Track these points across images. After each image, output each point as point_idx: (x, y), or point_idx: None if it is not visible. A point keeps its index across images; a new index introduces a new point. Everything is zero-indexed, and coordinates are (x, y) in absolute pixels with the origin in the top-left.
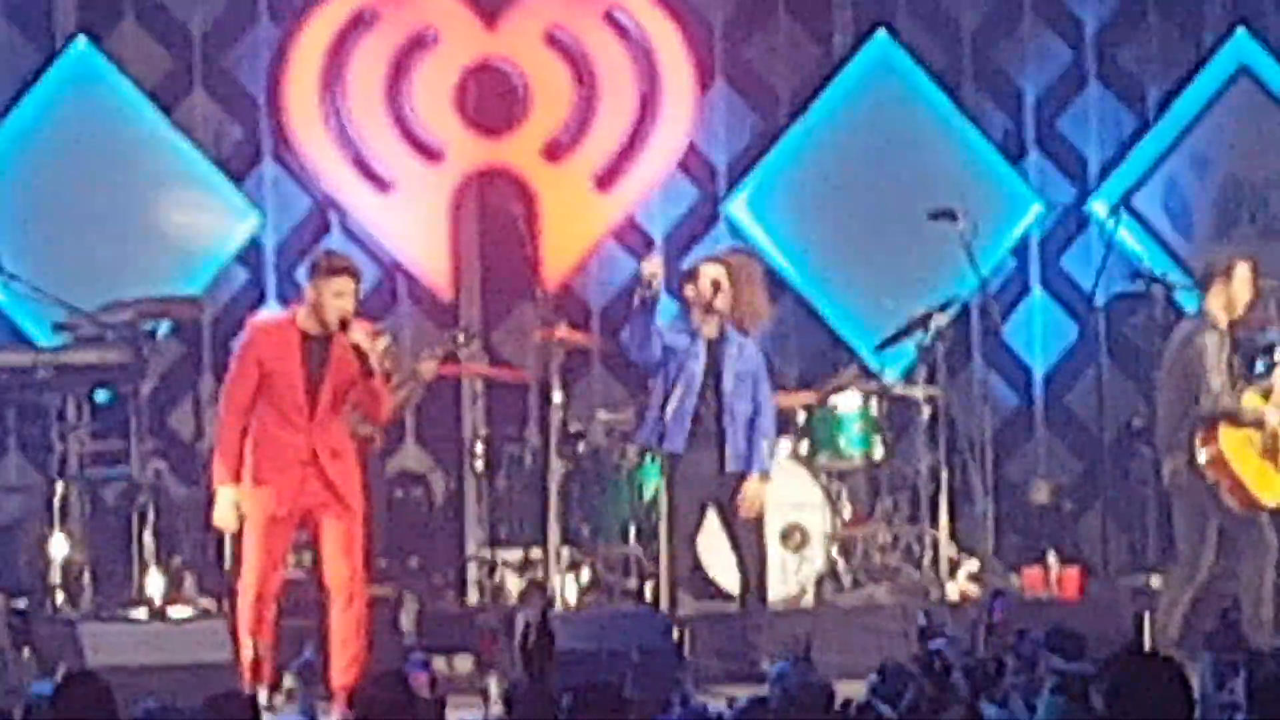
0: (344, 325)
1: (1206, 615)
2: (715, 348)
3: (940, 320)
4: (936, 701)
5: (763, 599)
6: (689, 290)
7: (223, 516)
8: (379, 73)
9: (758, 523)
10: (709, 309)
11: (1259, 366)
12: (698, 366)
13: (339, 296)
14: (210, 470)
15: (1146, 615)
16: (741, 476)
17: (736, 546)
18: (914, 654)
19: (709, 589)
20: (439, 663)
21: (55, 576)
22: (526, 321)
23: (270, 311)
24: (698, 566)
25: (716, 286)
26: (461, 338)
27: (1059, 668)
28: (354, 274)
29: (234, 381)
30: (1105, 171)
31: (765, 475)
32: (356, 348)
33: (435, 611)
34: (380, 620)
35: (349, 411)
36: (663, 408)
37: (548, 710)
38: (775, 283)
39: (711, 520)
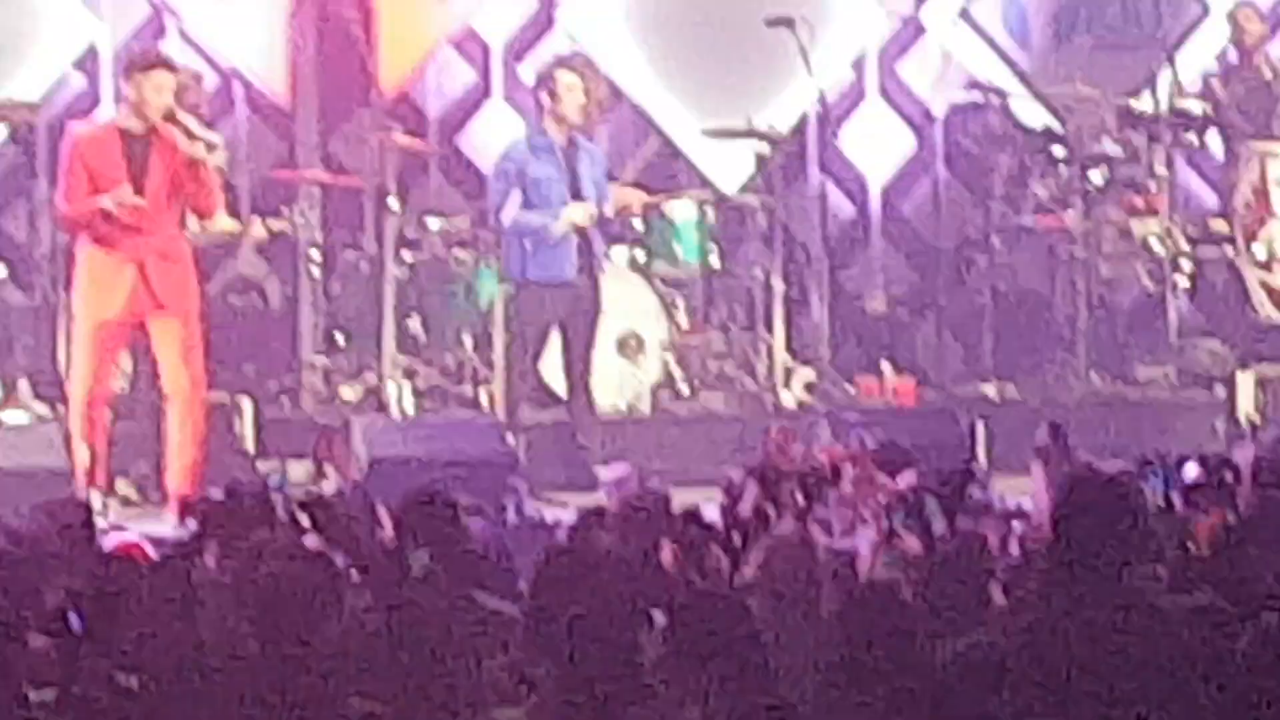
0: (167, 119)
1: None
2: (569, 156)
3: (776, 129)
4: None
5: (589, 403)
6: (543, 96)
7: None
8: None
9: (588, 329)
10: (559, 121)
11: (1095, 177)
12: (558, 187)
13: (158, 91)
14: (45, 276)
15: (980, 424)
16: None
17: (565, 350)
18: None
19: (543, 395)
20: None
21: None
22: (363, 128)
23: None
24: (532, 372)
25: (568, 91)
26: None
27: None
28: (170, 66)
29: (65, 194)
30: None
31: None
32: (173, 143)
33: (271, 418)
34: (216, 426)
35: (181, 215)
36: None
37: None
38: (612, 91)
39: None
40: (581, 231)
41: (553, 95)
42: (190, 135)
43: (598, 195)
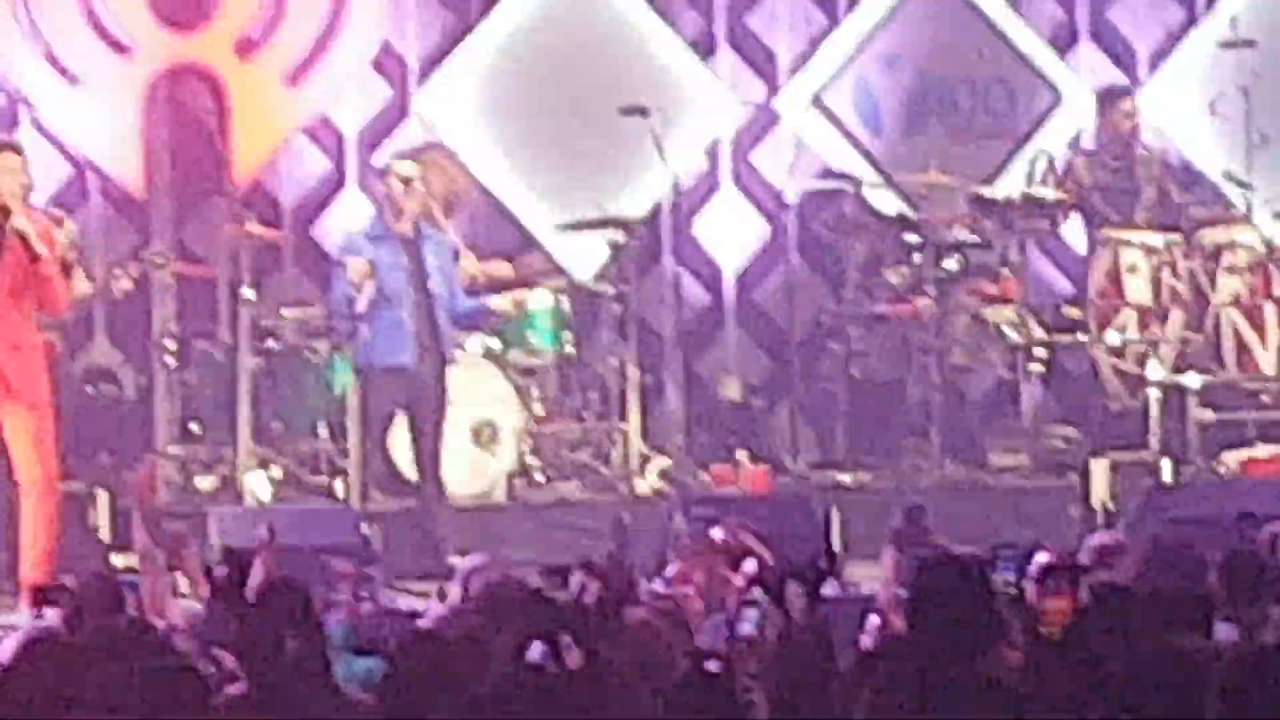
0: (5, 211)
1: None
2: (412, 247)
3: (631, 217)
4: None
5: (440, 491)
6: (381, 188)
7: None
8: None
9: (435, 416)
10: (400, 211)
11: (949, 264)
12: (400, 276)
13: (6, 173)
14: None
15: (834, 512)
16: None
17: (416, 439)
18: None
19: (396, 483)
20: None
21: None
22: (217, 217)
23: None
24: (387, 461)
25: (407, 183)
26: (158, 259)
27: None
28: (16, 149)
29: None
30: (795, 69)
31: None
32: (21, 234)
33: (126, 508)
34: (71, 517)
35: (31, 304)
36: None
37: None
38: (466, 179)
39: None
40: (427, 318)
41: (394, 186)
42: (38, 232)
43: (445, 283)
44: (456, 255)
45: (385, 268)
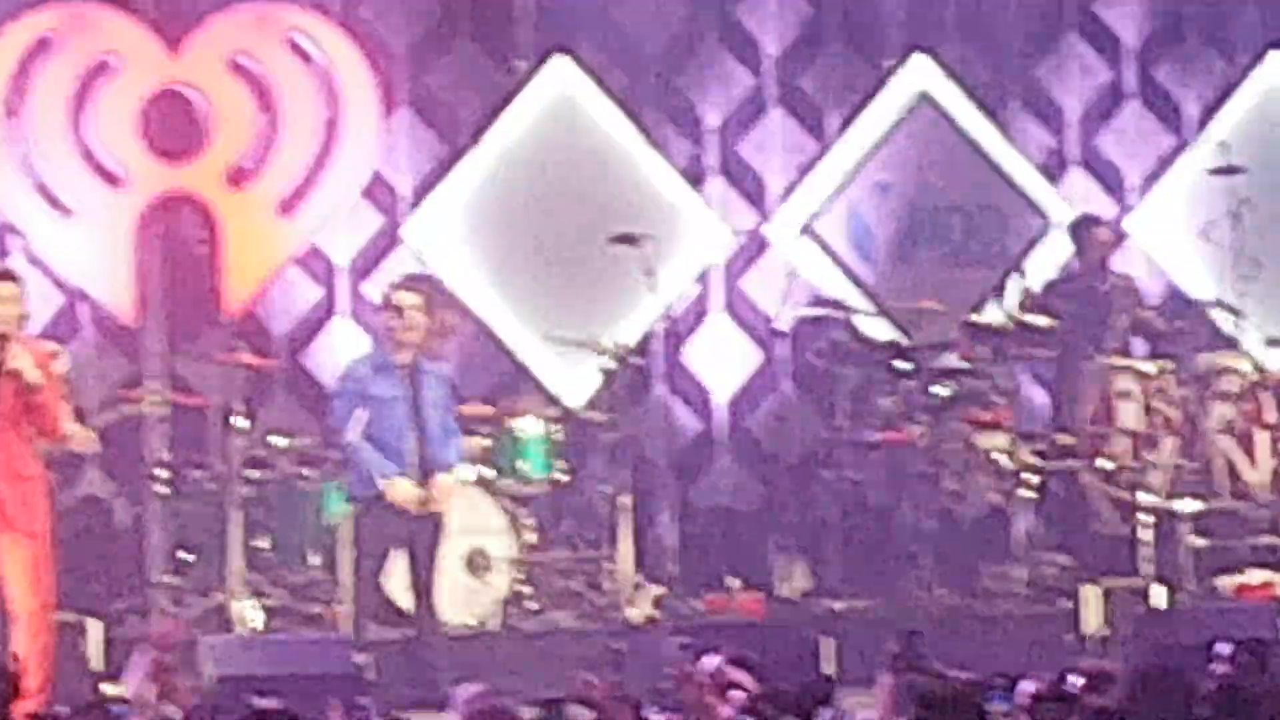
0: (3, 340)
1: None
2: (414, 378)
3: (622, 345)
4: None
5: (435, 621)
6: (380, 319)
7: None
8: (62, 98)
9: (431, 548)
10: (400, 342)
11: (939, 390)
12: (401, 408)
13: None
14: None
15: (829, 640)
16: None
17: (412, 568)
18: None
19: (390, 613)
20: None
21: None
22: (209, 346)
23: None
24: (379, 590)
25: (406, 313)
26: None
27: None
28: (12, 277)
29: None
30: (786, 196)
31: (450, 468)
32: (16, 364)
33: (119, 637)
34: (64, 646)
35: (30, 432)
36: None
37: None
38: (457, 307)
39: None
40: (422, 450)
41: (395, 316)
42: (33, 361)
43: (442, 415)
44: (454, 388)
45: (385, 399)
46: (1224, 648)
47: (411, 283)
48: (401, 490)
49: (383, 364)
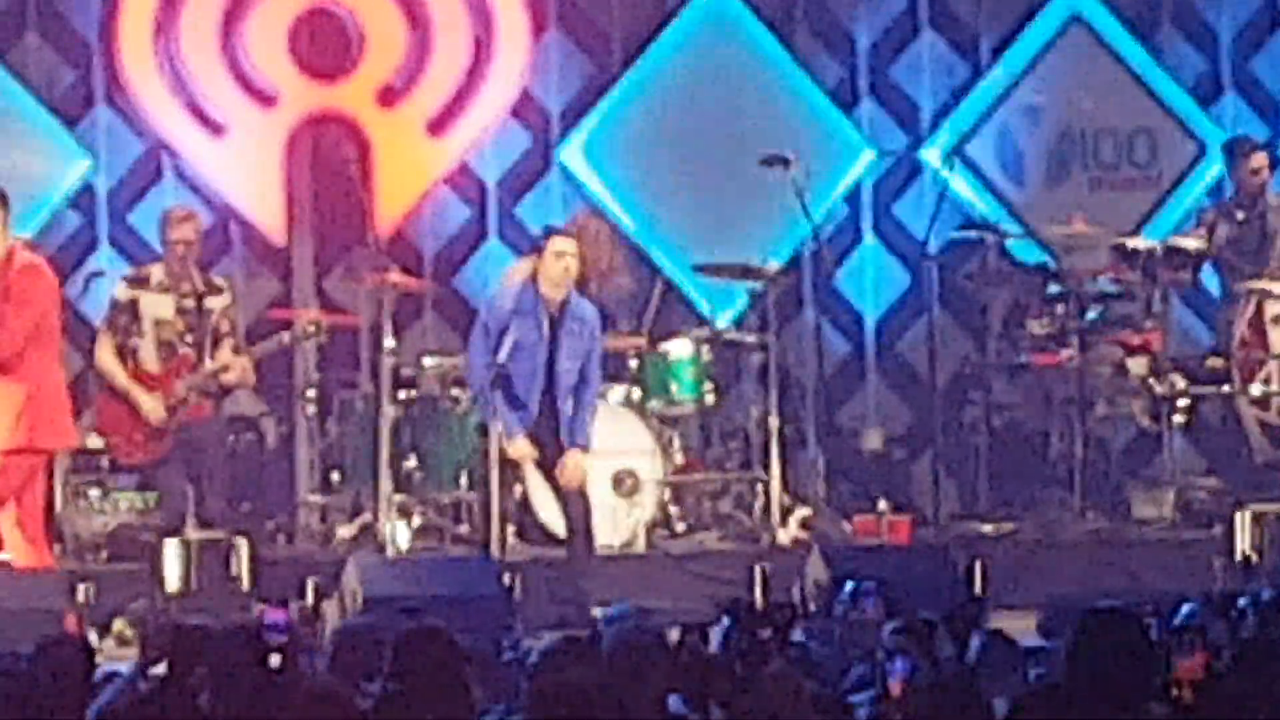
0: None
1: None
2: (556, 324)
3: (773, 266)
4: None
5: (590, 548)
6: (540, 259)
7: None
8: (212, 17)
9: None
10: (556, 281)
11: (1090, 314)
12: (538, 354)
13: None
14: None
15: (977, 563)
16: (562, 447)
17: (561, 498)
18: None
19: (540, 534)
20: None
21: None
22: (359, 266)
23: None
24: (529, 512)
25: (562, 258)
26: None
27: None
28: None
29: None
30: (938, 119)
31: (586, 449)
32: None
33: (267, 556)
34: (213, 565)
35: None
36: (500, 386)
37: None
38: (620, 248)
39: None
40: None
41: (548, 259)
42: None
43: (576, 369)
44: (601, 330)
45: (521, 344)
46: None
47: (569, 227)
48: (520, 451)
49: (526, 303)
